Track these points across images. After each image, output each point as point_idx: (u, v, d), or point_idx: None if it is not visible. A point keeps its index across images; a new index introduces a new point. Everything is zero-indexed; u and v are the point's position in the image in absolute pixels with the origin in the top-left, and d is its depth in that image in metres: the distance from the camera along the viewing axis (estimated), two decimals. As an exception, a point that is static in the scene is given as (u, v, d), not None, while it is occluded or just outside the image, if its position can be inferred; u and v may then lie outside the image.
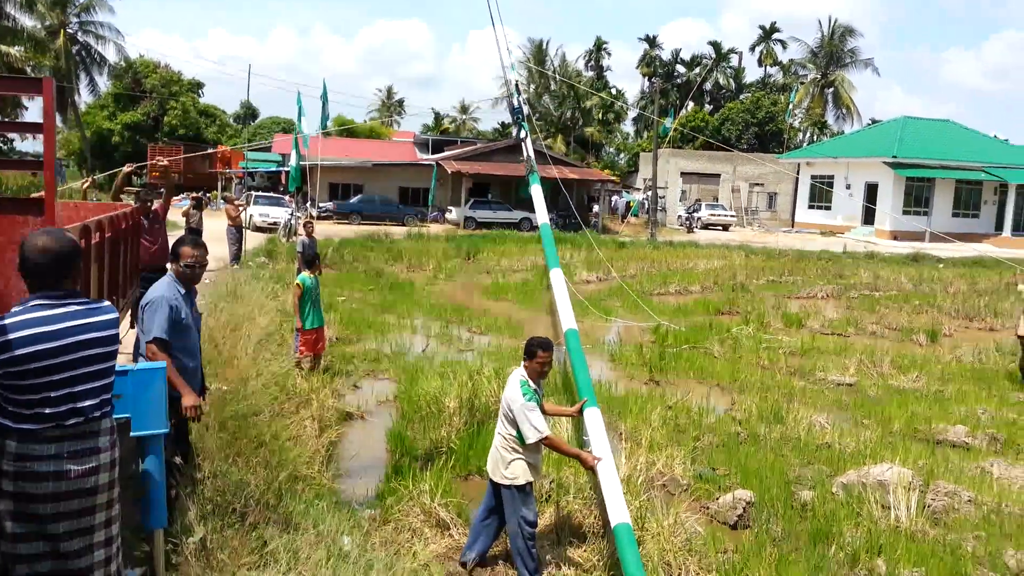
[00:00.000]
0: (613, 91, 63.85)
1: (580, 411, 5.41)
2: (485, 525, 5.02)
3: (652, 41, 67.03)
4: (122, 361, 3.53)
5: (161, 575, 3.79)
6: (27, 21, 43.37)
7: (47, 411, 2.77)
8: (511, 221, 34.49)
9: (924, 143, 40.52)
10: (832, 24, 59.88)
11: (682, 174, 46.34)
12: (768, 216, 46.23)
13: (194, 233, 13.36)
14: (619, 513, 4.46)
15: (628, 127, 68.11)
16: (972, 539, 5.52)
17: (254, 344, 8.43)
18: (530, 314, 14.56)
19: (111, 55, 48.79)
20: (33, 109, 42.52)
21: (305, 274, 9.09)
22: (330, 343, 10.07)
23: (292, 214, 25.72)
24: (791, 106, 54.35)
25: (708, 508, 6.01)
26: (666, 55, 67.00)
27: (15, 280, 3.13)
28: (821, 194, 42.83)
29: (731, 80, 66.21)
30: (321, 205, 32.90)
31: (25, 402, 2.75)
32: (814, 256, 26.64)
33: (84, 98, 49.81)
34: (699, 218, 41.44)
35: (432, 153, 45.96)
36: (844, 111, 60.34)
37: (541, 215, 9.34)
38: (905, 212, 37.31)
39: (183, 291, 4.44)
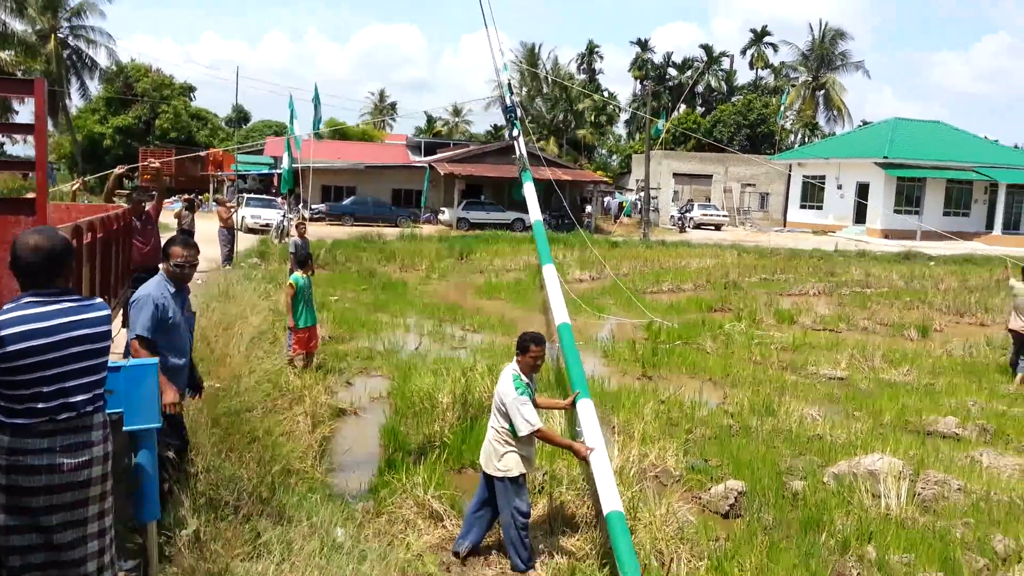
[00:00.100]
0: (605, 94, 64.03)
1: (573, 403, 5.44)
2: (478, 517, 5.04)
3: (644, 44, 67.26)
4: (114, 359, 3.54)
5: (154, 566, 3.80)
6: (17, 25, 43.30)
7: (39, 406, 2.79)
8: (504, 222, 34.54)
9: (915, 144, 40.75)
10: (823, 27, 60.22)
11: (674, 175, 46.50)
12: (760, 216, 46.39)
13: (186, 235, 13.35)
14: (612, 501, 4.49)
15: (620, 129, 68.39)
16: (961, 525, 5.58)
17: (247, 342, 8.42)
18: (523, 313, 14.60)
19: (102, 59, 48.62)
20: (24, 114, 42.39)
21: (298, 274, 9.10)
22: (323, 342, 10.07)
23: (284, 216, 25.70)
24: (782, 108, 54.59)
25: (700, 498, 6.06)
26: (658, 58, 67.21)
27: (7, 279, 3.14)
28: (813, 194, 43.04)
29: (723, 83, 66.45)
30: (314, 207, 32.88)
31: (17, 397, 2.77)
32: (806, 254, 26.76)
33: (75, 102, 49.65)
34: (691, 218, 41.60)
35: (425, 155, 45.98)
36: (835, 113, 60.68)
37: (534, 212, 9.37)
38: (896, 212, 37.50)
39: (173, 290, 4.45)
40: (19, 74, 36.76)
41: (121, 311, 7.57)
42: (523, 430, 4.73)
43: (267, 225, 26.35)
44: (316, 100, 22.80)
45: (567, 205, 30.13)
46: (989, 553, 5.19)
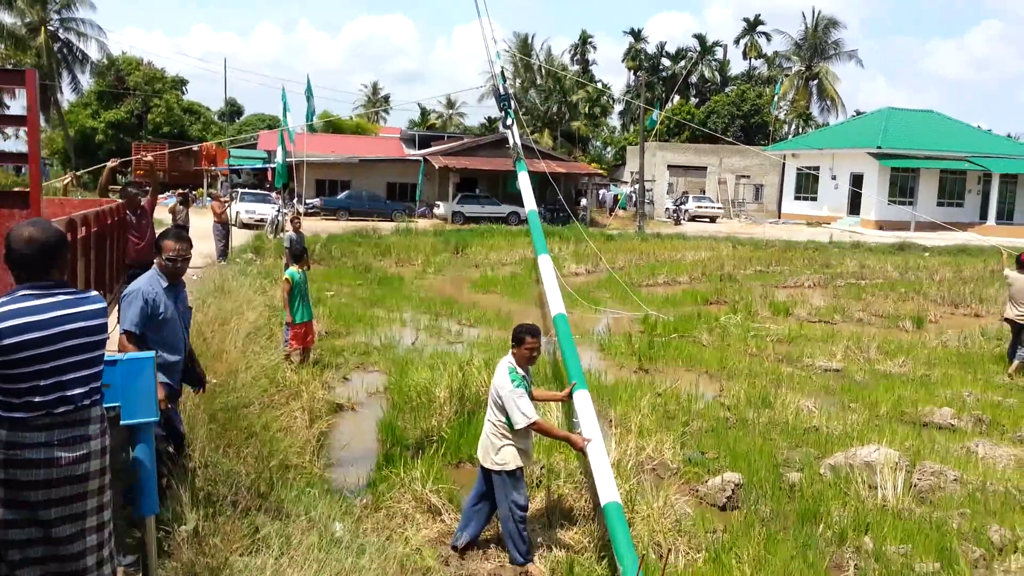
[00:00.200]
0: (599, 85, 63.95)
1: (569, 395, 5.44)
2: (476, 510, 5.05)
3: (637, 35, 67.17)
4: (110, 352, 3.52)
5: (153, 561, 3.80)
6: (6, 18, 43.01)
7: (36, 399, 2.77)
8: (499, 215, 34.51)
9: (908, 134, 40.86)
10: (816, 16, 60.34)
11: (669, 167, 46.56)
12: (755, 208, 46.50)
13: (180, 229, 13.29)
14: (609, 493, 4.50)
15: (614, 121, 68.34)
16: (957, 516, 5.60)
17: (243, 338, 8.40)
18: (519, 306, 14.59)
19: (93, 52, 48.42)
20: (15, 108, 42.12)
21: (293, 268, 9.08)
22: (319, 337, 10.05)
23: (279, 210, 25.62)
24: (776, 98, 54.66)
25: (697, 491, 6.08)
26: (651, 49, 67.24)
27: (2, 273, 3.11)
28: (807, 185, 43.13)
29: (716, 73, 66.45)
30: (308, 201, 32.78)
31: (14, 391, 2.75)
32: (801, 246, 26.81)
33: (67, 96, 49.45)
34: (686, 210, 41.66)
35: (419, 149, 45.87)
36: (829, 103, 60.80)
37: (529, 202, 9.34)
38: (891, 202, 37.61)
39: (165, 284, 4.39)
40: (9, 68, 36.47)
41: (116, 306, 7.54)
42: (519, 423, 4.72)
43: (262, 220, 26.27)
44: (309, 92, 22.72)
45: (562, 198, 30.11)
46: (985, 543, 5.22)
